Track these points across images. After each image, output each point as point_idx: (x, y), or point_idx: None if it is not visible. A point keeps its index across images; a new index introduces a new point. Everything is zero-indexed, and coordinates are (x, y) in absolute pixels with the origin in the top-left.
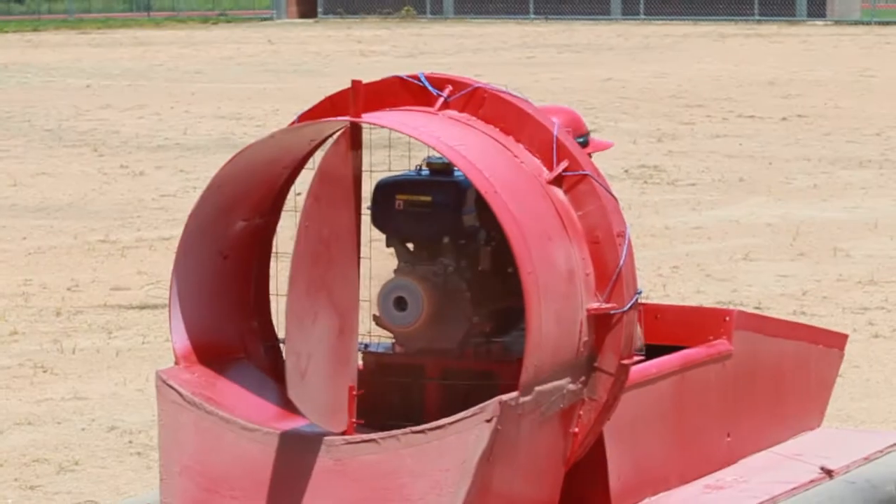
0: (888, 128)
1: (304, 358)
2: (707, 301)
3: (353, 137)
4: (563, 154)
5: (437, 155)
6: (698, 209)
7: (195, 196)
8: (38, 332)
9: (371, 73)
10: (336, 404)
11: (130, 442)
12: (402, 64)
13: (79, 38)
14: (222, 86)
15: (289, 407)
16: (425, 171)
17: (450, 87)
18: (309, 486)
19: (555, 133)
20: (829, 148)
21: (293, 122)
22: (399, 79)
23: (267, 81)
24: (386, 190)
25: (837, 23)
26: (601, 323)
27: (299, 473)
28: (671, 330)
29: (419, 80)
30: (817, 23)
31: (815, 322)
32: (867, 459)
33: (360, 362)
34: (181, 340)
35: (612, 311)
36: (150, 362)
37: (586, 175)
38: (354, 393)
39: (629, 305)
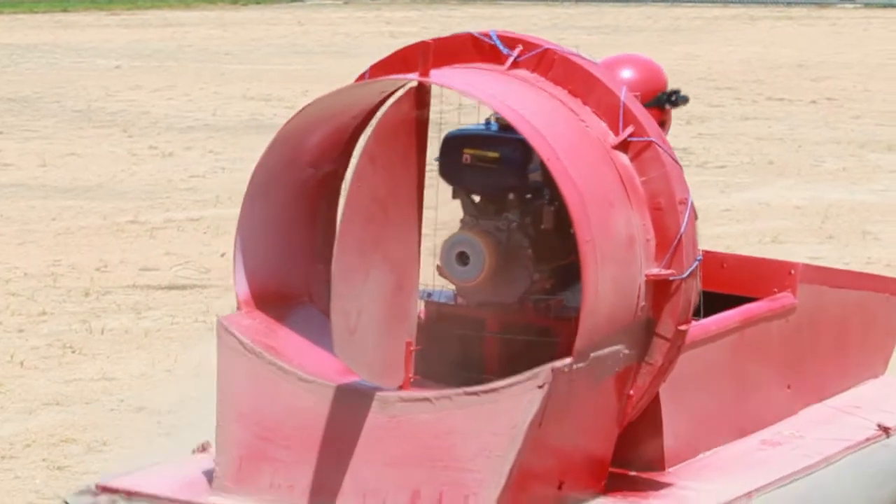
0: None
1: (354, 315)
2: None
3: (419, 96)
4: (630, 119)
5: None
6: (727, 191)
7: (224, 177)
8: (66, 313)
9: None
10: (392, 359)
11: (159, 423)
12: None
13: (108, 19)
14: (252, 67)
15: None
16: (494, 125)
17: (520, 47)
18: (360, 440)
19: (622, 98)
20: (859, 131)
21: (361, 76)
22: (471, 36)
23: (296, 63)
24: (454, 143)
25: (867, 5)
26: (660, 289)
27: (351, 427)
28: (736, 280)
29: (490, 38)
30: (847, 6)
31: None
32: None
33: (422, 310)
34: (244, 285)
35: (671, 278)
36: (179, 343)
37: (651, 142)
38: (412, 349)
39: (688, 272)
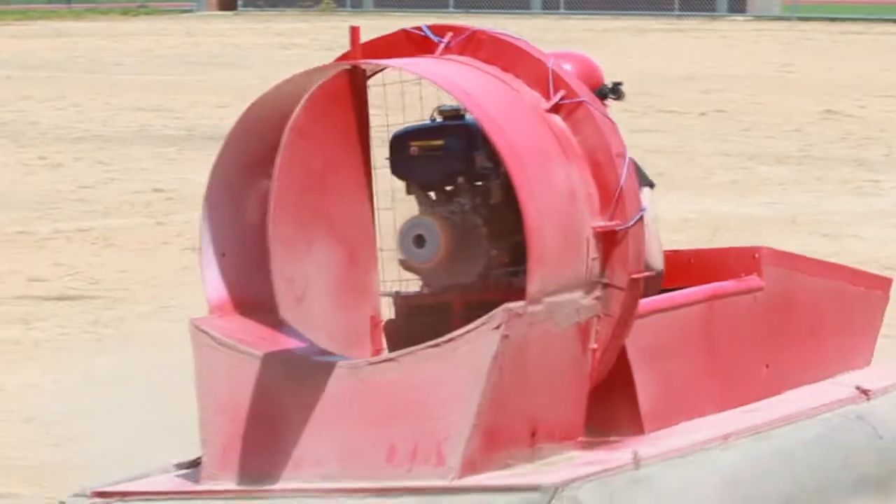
0: (807, 123)
1: (300, 283)
2: None
3: (354, 82)
4: (560, 85)
5: (448, 104)
6: None
7: (114, 188)
8: None
9: (291, 67)
10: (353, 331)
11: (48, 433)
12: (321, 57)
13: None
14: (142, 78)
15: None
16: (438, 120)
17: (450, 34)
18: (335, 408)
19: (550, 66)
20: (749, 143)
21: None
22: (404, 31)
23: (186, 73)
24: (401, 139)
25: (758, 18)
26: (607, 239)
27: (326, 397)
28: (706, 272)
29: (422, 30)
30: (737, 18)
31: None
32: None
33: (392, 306)
34: (214, 291)
35: (616, 228)
36: (68, 353)
37: (582, 101)
38: (378, 321)
39: (633, 221)
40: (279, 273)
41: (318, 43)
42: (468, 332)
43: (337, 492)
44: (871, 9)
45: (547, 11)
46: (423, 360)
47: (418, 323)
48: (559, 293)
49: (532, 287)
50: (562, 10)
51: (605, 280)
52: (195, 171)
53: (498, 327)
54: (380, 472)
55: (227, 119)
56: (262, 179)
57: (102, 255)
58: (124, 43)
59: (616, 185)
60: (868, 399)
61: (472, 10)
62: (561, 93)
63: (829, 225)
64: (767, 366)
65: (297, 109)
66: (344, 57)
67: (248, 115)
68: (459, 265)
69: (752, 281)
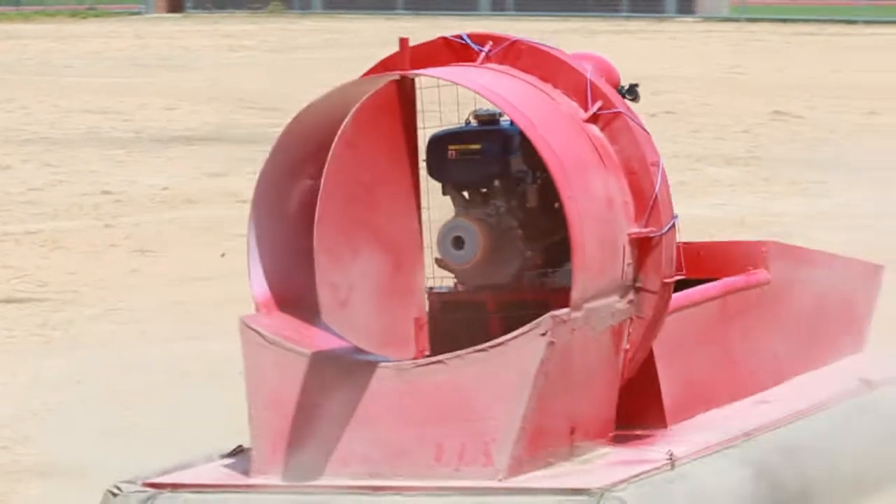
0: (756, 125)
1: (343, 289)
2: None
3: (403, 92)
4: (598, 95)
5: (484, 108)
6: None
7: (62, 190)
8: None
9: (240, 69)
10: (398, 333)
11: None
12: (270, 59)
13: None
14: (91, 80)
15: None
16: (473, 124)
17: (490, 43)
18: (382, 408)
19: (588, 76)
20: (698, 145)
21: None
22: (444, 39)
23: (135, 76)
24: (439, 142)
25: (706, 19)
26: (642, 246)
27: (373, 397)
28: (716, 264)
29: (462, 38)
30: (686, 19)
31: None
32: None
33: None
34: (260, 289)
35: (651, 235)
36: (16, 356)
37: (619, 112)
38: (423, 324)
39: (667, 228)
40: (323, 279)
41: (266, 45)
42: (515, 337)
43: (386, 489)
44: (822, 10)
45: (495, 12)
46: (471, 364)
47: (450, 319)
48: (597, 298)
49: (575, 293)
50: (510, 11)
51: (639, 284)
52: (143, 174)
53: (545, 334)
54: (428, 472)
55: (176, 121)
56: (306, 181)
57: (51, 257)
58: (73, 45)
59: (651, 192)
60: (871, 389)
61: (421, 12)
62: (599, 103)
63: (777, 226)
64: (775, 356)
65: (347, 120)
66: (388, 64)
67: (296, 121)
68: (495, 266)
69: (761, 275)
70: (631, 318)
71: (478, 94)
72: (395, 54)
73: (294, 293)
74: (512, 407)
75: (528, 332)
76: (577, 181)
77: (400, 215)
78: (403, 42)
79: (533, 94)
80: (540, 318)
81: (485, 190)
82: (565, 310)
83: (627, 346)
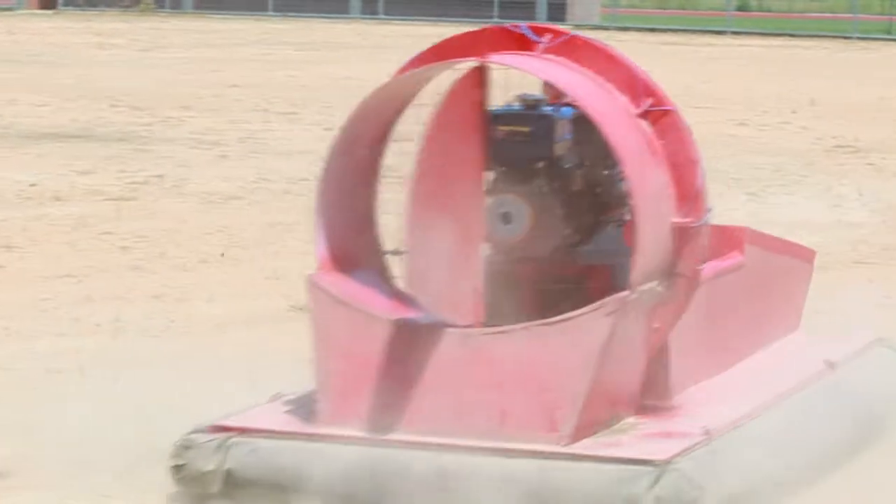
0: None
1: (425, 259)
2: None
3: (480, 77)
4: (649, 92)
5: (531, 94)
6: None
7: None
8: None
9: (110, 67)
10: (463, 300)
11: None
12: (140, 57)
13: None
14: None
15: (415, 303)
16: (518, 106)
17: (549, 36)
18: (446, 371)
19: (640, 74)
20: None
21: (402, 69)
22: (504, 28)
23: (5, 71)
24: (489, 121)
25: (577, 27)
26: (682, 234)
27: (439, 361)
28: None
29: (520, 28)
30: (557, 27)
31: None
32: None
33: None
34: (322, 250)
35: (691, 225)
36: None
37: (668, 110)
38: (481, 292)
39: (705, 219)
40: (414, 251)
41: (137, 44)
42: (581, 315)
43: (453, 447)
44: (691, 20)
45: (366, 16)
46: (536, 336)
47: (490, 289)
48: (647, 282)
49: (634, 277)
50: (381, 15)
51: (676, 269)
52: (11, 169)
53: (610, 314)
54: (493, 435)
55: (45, 118)
56: (364, 152)
57: None
58: None
59: (692, 186)
60: (833, 370)
61: (291, 14)
62: (650, 100)
63: None
64: (746, 333)
65: (441, 103)
66: (445, 49)
67: (364, 102)
68: (536, 242)
69: (737, 258)
70: (664, 300)
71: (554, 84)
72: (449, 41)
73: (352, 257)
74: (576, 380)
75: (594, 310)
76: (639, 171)
77: (470, 191)
78: (483, 32)
79: (594, 86)
80: (606, 299)
81: (529, 170)
82: (627, 292)
83: (658, 325)
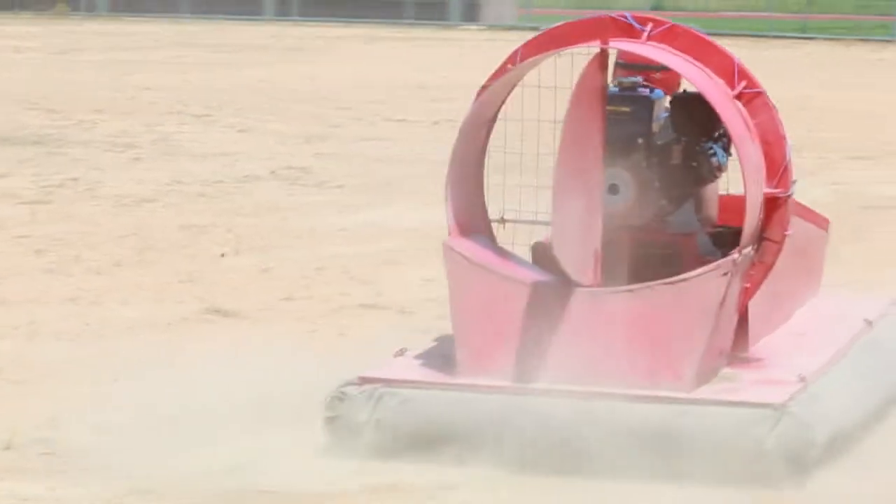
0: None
1: (562, 226)
2: (351, 303)
3: (602, 60)
4: (742, 76)
5: (627, 79)
6: (344, 212)
7: None
8: None
9: (24, 70)
10: (588, 262)
11: None
12: (54, 60)
13: None
14: None
15: (526, 264)
16: (615, 88)
17: (651, 24)
18: (577, 327)
19: (735, 60)
20: None
21: (513, 53)
22: (611, 18)
23: None
24: None
25: (491, 27)
26: (772, 204)
27: (569, 317)
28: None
29: (626, 17)
30: (471, 27)
31: None
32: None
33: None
34: (452, 219)
35: (780, 195)
36: None
37: (760, 92)
38: (599, 255)
39: (792, 190)
40: (556, 219)
41: (51, 46)
42: (700, 275)
43: (587, 394)
44: None
45: (280, 18)
46: (659, 295)
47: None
48: (745, 246)
49: (743, 241)
50: (295, 17)
51: (765, 235)
52: None
53: (726, 274)
54: (622, 383)
55: None
56: (484, 132)
57: None
58: None
59: (781, 160)
60: (871, 327)
61: (205, 16)
62: (744, 83)
63: None
64: (789, 294)
65: (576, 83)
66: (557, 35)
67: (487, 87)
68: (636, 211)
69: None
70: (754, 263)
71: (674, 68)
72: (562, 28)
73: (471, 225)
74: (697, 332)
75: (711, 271)
76: (744, 147)
77: (595, 162)
78: (593, 20)
79: (698, 70)
80: (721, 260)
81: (629, 146)
82: (736, 255)
83: (748, 285)
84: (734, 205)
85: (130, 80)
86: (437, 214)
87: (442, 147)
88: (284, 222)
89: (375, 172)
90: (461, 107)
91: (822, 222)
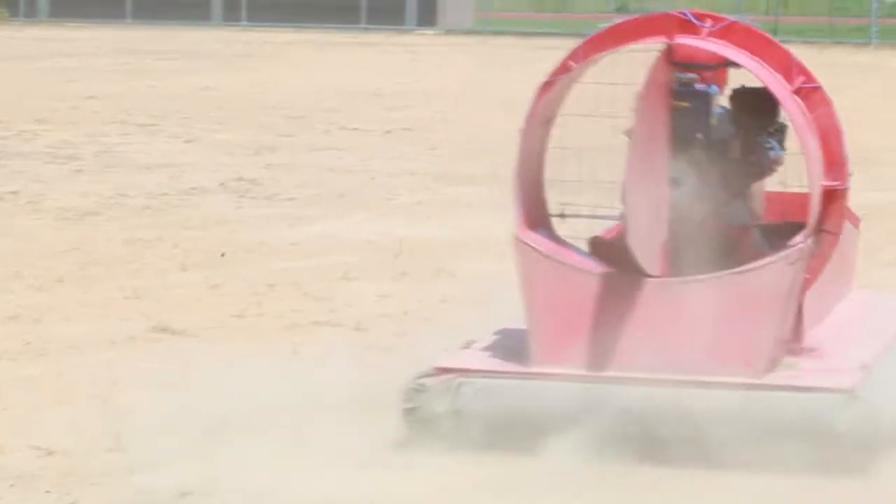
0: (497, 143)
1: (634, 217)
2: (303, 320)
3: (668, 56)
4: (800, 71)
5: (684, 76)
6: (296, 225)
7: None
8: None
9: None
10: (655, 253)
11: None
12: None
13: None
14: None
15: (595, 258)
16: (675, 87)
17: (710, 21)
18: (649, 316)
19: (791, 55)
20: (436, 163)
21: (576, 50)
22: (671, 14)
23: None
24: None
25: (448, 32)
26: (829, 196)
27: (640, 306)
28: (803, 212)
29: (685, 14)
30: (427, 32)
31: (423, 345)
32: None
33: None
34: (520, 213)
35: (838, 188)
36: None
37: (818, 87)
38: (666, 248)
39: (848, 183)
40: (630, 211)
41: None
42: (770, 263)
43: (661, 382)
44: (564, 24)
45: (228, 23)
46: (728, 283)
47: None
48: (809, 237)
49: (807, 231)
50: (243, 22)
51: (824, 227)
52: None
53: (791, 263)
54: (694, 370)
55: None
56: (547, 130)
57: None
58: None
59: (838, 153)
60: None
61: (149, 22)
62: (802, 78)
63: None
64: (831, 288)
65: (645, 78)
66: (621, 31)
67: (549, 85)
68: (694, 204)
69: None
70: (813, 254)
71: (741, 64)
72: (625, 23)
73: (536, 219)
74: (766, 320)
75: (779, 260)
76: (807, 140)
77: (661, 159)
78: (655, 17)
79: (759, 65)
80: (789, 250)
81: (688, 139)
82: (802, 245)
83: (808, 276)
84: (769, 200)
85: (72, 88)
86: (394, 226)
87: (397, 158)
88: (233, 236)
89: (328, 183)
90: (417, 115)
91: (854, 220)
